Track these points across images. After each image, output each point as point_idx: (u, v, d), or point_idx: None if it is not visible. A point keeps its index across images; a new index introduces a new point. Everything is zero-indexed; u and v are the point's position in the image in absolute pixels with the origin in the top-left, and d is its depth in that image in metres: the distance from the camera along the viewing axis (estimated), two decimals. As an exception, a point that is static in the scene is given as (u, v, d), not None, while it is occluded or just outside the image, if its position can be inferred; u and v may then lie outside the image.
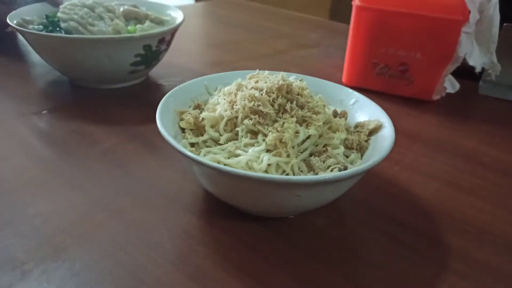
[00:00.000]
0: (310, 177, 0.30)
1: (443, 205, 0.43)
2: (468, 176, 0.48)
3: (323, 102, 0.41)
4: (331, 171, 0.35)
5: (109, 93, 0.62)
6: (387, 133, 0.38)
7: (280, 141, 0.35)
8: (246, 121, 0.37)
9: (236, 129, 0.38)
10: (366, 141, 0.40)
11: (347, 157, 0.39)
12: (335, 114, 0.43)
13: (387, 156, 0.50)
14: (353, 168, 0.33)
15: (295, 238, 0.37)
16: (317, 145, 0.38)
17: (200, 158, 0.31)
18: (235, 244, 0.36)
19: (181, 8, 1.21)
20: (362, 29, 0.65)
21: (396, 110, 0.63)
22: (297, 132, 0.37)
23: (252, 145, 0.36)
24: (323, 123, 0.40)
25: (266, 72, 0.43)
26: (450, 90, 0.62)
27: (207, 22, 1.11)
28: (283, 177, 0.30)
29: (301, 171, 0.36)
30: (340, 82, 0.72)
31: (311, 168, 0.36)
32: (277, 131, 0.36)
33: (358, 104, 0.44)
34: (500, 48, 0.61)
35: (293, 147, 0.36)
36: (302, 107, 0.39)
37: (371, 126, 0.40)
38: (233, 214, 0.39)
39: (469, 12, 0.57)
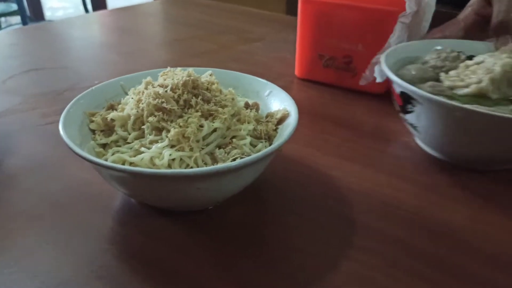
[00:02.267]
0: (195, 170, 0.31)
1: (361, 186, 0.44)
2: (387, 157, 0.49)
3: (232, 95, 0.42)
4: (233, 161, 0.36)
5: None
6: (291, 121, 0.39)
7: (183, 135, 0.36)
8: (150, 118, 0.37)
9: (143, 127, 0.38)
10: (275, 129, 0.41)
11: (255, 146, 0.39)
12: (246, 106, 0.44)
13: (311, 143, 0.52)
14: (246, 158, 0.34)
15: (212, 230, 0.38)
16: (225, 137, 0.39)
17: (90, 156, 0.32)
18: (147, 241, 0.36)
19: (133, 7, 1.21)
20: (307, 22, 0.66)
21: (334, 99, 0.64)
22: (201, 126, 0.37)
23: (157, 141, 0.37)
24: (232, 115, 0.40)
25: (178, 69, 0.43)
26: (379, 79, 0.63)
27: (157, 21, 1.10)
28: (171, 170, 0.31)
29: (205, 163, 0.36)
30: (280, 74, 0.74)
31: (215, 160, 0.37)
32: (180, 126, 0.36)
33: (272, 94, 0.45)
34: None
35: (198, 141, 0.37)
36: (208, 102, 0.39)
37: (279, 115, 0.41)
38: (149, 212, 0.40)
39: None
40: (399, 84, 0.44)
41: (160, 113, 0.37)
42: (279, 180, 0.45)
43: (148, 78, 0.42)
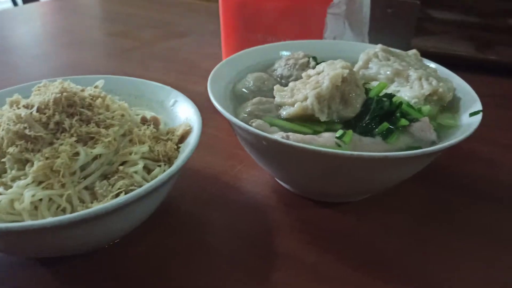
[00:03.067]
0: (36, 222, 0.24)
1: (293, 207, 0.39)
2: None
3: (123, 111, 0.35)
4: (118, 195, 0.29)
5: None
6: (192, 139, 0.33)
7: (51, 169, 0.29)
8: (10, 149, 0.30)
9: (4, 159, 0.31)
10: (177, 149, 0.34)
11: (153, 171, 0.33)
12: (143, 121, 0.37)
13: (233, 155, 0.46)
14: (127, 195, 0.27)
15: (106, 275, 0.31)
16: (113, 164, 0.32)
17: None
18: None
19: (36, 4, 1.09)
20: (230, 16, 0.60)
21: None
22: (77, 154, 0.30)
23: (20, 178, 0.30)
24: (122, 135, 0.34)
25: (58, 80, 0.36)
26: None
27: (68, 17, 0.98)
28: (7, 225, 0.24)
29: (82, 201, 0.30)
30: (208, 72, 0.67)
31: (94, 196, 0.30)
32: (46, 158, 0.29)
33: (178, 104, 0.39)
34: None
35: (73, 173, 0.30)
36: (88, 122, 0.32)
37: (180, 132, 0.35)
38: (21, 262, 0.32)
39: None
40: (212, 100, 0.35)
41: (23, 141, 0.30)
42: (190, 203, 0.38)
43: (15, 96, 0.34)
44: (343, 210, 0.38)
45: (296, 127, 0.34)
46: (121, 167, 0.31)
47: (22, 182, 0.29)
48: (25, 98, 0.34)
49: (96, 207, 0.26)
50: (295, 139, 0.32)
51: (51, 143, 0.31)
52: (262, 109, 0.36)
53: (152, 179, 0.32)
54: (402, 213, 0.38)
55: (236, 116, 0.37)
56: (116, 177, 0.31)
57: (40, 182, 0.29)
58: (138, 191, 0.27)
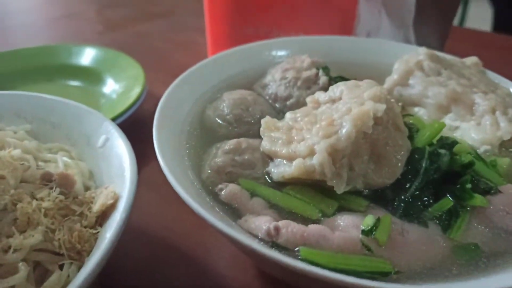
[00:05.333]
0: None
1: None
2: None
3: (3, 170, 0.21)
4: None
5: None
6: (114, 223, 0.19)
7: None
8: None
9: None
10: (95, 233, 0.21)
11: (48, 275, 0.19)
12: (46, 180, 0.22)
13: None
14: None
15: None
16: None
17: None
18: None
19: None
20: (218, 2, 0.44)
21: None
22: None
23: None
24: (1, 211, 0.20)
25: None
26: None
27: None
28: None
29: None
30: (183, 67, 0.52)
31: None
32: None
33: (110, 144, 0.25)
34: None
35: None
36: None
37: (98, 207, 0.21)
38: None
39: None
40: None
41: None
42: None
43: None
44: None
45: (294, 203, 0.20)
46: (-19, 282, 0.18)
47: None
48: None
49: None
50: (290, 236, 0.18)
51: None
52: (239, 163, 0.22)
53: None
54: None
55: (200, 170, 0.23)
56: (-29, 302, 0.17)
57: None
58: None
